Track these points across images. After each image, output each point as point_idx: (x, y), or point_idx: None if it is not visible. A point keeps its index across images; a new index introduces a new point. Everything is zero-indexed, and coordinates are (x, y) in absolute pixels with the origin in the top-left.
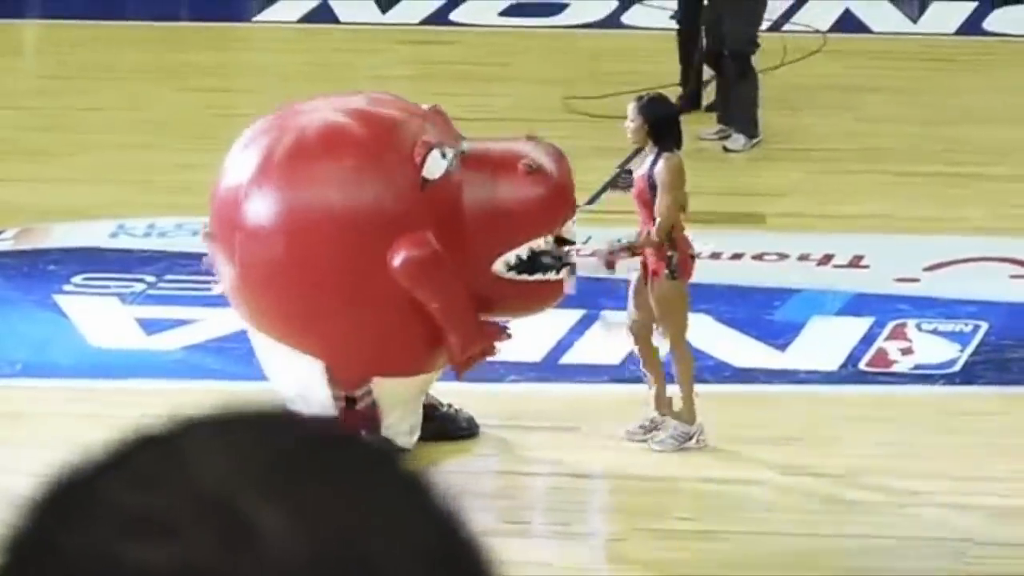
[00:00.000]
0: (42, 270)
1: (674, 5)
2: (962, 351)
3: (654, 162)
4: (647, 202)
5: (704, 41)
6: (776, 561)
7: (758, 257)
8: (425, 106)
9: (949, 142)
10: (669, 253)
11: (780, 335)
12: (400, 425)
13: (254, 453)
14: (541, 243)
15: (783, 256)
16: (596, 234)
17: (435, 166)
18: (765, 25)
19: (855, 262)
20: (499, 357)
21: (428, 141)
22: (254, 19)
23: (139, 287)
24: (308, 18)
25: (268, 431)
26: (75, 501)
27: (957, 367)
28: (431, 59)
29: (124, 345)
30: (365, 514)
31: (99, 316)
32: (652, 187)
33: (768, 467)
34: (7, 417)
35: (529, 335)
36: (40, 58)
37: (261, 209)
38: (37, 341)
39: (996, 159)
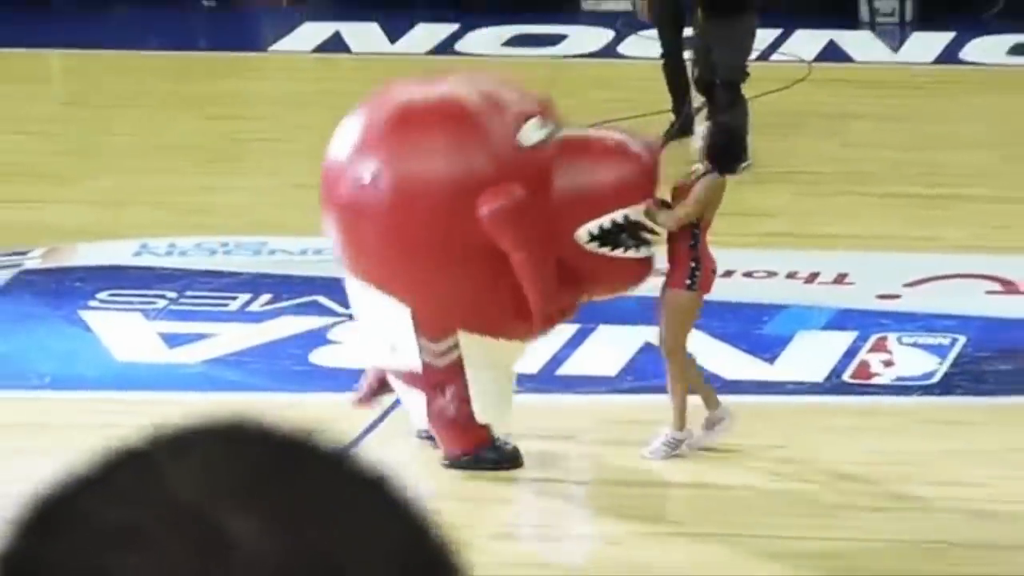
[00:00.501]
0: (69, 287)
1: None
2: (941, 363)
3: (696, 180)
4: None
5: (695, 70)
6: (763, 562)
7: (748, 275)
8: (538, 93)
9: (928, 165)
10: (692, 265)
11: (768, 348)
12: (484, 396)
13: (226, 465)
14: (621, 216)
15: (771, 274)
16: None
17: (531, 134)
18: (753, 55)
19: (839, 279)
20: None
21: (528, 111)
22: (270, 49)
23: (161, 303)
24: (321, 48)
25: (240, 443)
26: (60, 517)
27: (936, 379)
28: None
29: (147, 358)
30: (334, 521)
31: (123, 331)
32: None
33: (756, 473)
34: (35, 427)
35: (528, 349)
36: (65, 86)
37: (368, 169)
38: (64, 355)
39: (973, 181)
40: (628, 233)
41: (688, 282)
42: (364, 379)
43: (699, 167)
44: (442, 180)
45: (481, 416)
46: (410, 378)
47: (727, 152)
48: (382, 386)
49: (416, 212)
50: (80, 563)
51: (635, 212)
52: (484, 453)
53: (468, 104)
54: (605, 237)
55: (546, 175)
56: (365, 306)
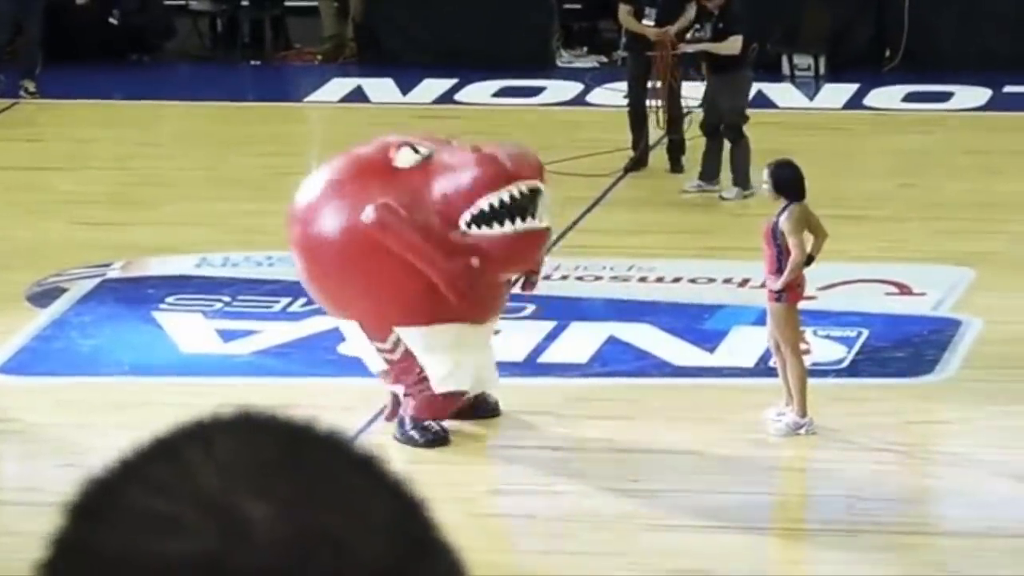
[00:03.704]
0: (143, 293)
1: (625, 88)
2: (849, 352)
3: (780, 212)
4: (770, 242)
5: (702, 116)
6: (701, 512)
7: (693, 280)
8: (470, 145)
9: (838, 191)
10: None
11: (709, 340)
12: (437, 369)
13: (242, 459)
14: (487, 204)
15: (712, 280)
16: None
17: (405, 159)
18: (694, 102)
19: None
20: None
21: (401, 143)
22: (304, 99)
23: (218, 305)
24: (346, 99)
25: (252, 436)
26: (104, 505)
27: (845, 364)
28: (441, 131)
29: (206, 350)
30: (335, 501)
31: (187, 328)
32: (773, 230)
33: (699, 441)
34: (117, 407)
35: (514, 341)
36: (141, 129)
37: (307, 220)
38: (140, 347)
39: (874, 204)
40: (506, 212)
41: (776, 295)
42: (388, 401)
43: (765, 196)
44: (344, 205)
45: (440, 386)
46: (385, 376)
47: (792, 183)
48: (397, 400)
49: (328, 236)
50: (122, 547)
51: (499, 196)
52: (419, 433)
53: (362, 153)
54: (482, 220)
55: (424, 186)
56: (345, 330)
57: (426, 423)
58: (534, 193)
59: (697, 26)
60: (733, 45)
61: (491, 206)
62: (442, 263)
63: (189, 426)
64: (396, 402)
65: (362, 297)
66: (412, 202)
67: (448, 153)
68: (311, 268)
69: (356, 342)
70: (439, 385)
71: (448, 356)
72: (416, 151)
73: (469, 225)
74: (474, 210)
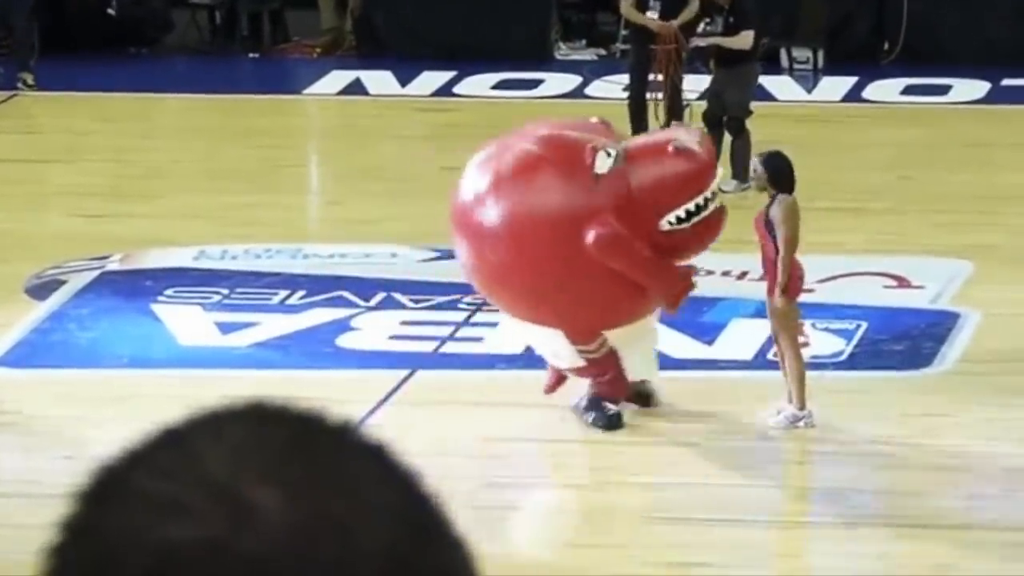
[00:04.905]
0: (141, 285)
1: (624, 80)
2: (847, 344)
3: (771, 203)
4: (763, 233)
5: (706, 107)
6: (700, 505)
7: None
8: (593, 119)
9: (837, 184)
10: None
11: (708, 333)
12: (632, 359)
13: (252, 446)
14: (694, 205)
15: (710, 272)
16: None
17: (603, 163)
18: (694, 95)
19: (764, 277)
20: (490, 350)
21: (595, 146)
22: (303, 92)
23: (216, 297)
24: (345, 91)
25: (262, 425)
26: (113, 490)
27: (843, 356)
28: (439, 123)
29: (205, 343)
30: (344, 489)
31: (185, 320)
32: (767, 221)
33: (699, 434)
34: (115, 399)
35: (511, 335)
36: (137, 122)
37: (488, 218)
38: (138, 340)
39: (871, 197)
40: (705, 204)
41: (779, 290)
42: (549, 374)
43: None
44: (546, 216)
45: (632, 376)
46: (576, 371)
47: (787, 175)
48: (561, 376)
49: (532, 248)
50: (130, 531)
51: (704, 195)
52: (601, 415)
53: (557, 149)
54: (687, 217)
55: (625, 190)
56: (523, 331)
57: (604, 406)
58: None
59: (707, 20)
60: (744, 40)
61: (697, 205)
62: (667, 281)
63: (199, 415)
64: (559, 376)
65: (570, 309)
66: (617, 208)
67: (637, 149)
68: (497, 278)
69: (542, 341)
70: (633, 375)
71: (637, 348)
72: (609, 154)
73: (672, 226)
74: (680, 212)
